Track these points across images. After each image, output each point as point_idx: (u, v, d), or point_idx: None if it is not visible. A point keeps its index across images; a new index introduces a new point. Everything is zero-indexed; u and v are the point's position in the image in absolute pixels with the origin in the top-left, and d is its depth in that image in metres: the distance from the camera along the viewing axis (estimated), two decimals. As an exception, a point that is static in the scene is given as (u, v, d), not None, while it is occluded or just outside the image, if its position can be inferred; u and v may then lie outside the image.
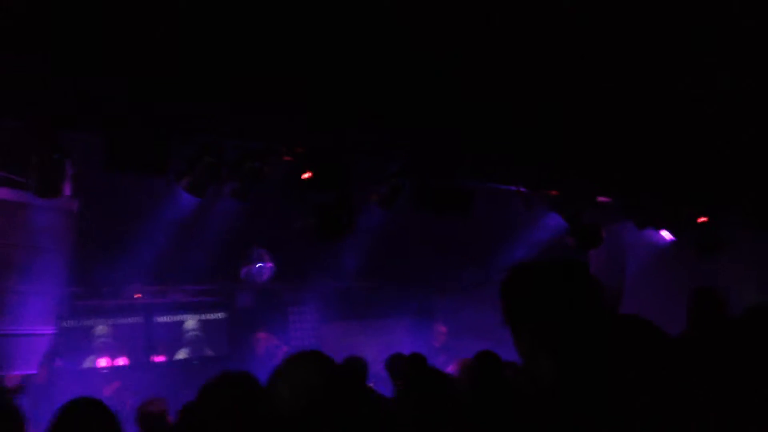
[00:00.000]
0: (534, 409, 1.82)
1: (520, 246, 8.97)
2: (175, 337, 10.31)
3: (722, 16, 4.13)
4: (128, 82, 4.30)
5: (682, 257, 8.64)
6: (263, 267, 9.03)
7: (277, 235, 8.39)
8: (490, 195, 7.08)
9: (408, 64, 4.49)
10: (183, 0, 3.59)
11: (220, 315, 10.74)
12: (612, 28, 4.25)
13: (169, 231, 7.04)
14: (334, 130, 5.44)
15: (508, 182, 7.09)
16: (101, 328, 9.61)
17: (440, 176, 6.37)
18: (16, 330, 5.11)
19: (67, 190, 4.60)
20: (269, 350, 9.42)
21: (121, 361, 9.53)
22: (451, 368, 8.50)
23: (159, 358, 9.99)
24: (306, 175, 5.65)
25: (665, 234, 8.62)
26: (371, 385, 5.60)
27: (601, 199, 7.77)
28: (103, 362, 9.38)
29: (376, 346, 9.95)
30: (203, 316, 10.61)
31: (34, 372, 5.48)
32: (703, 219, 8.30)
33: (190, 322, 10.49)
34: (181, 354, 10.26)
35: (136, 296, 9.78)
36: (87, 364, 9.28)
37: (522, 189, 7.10)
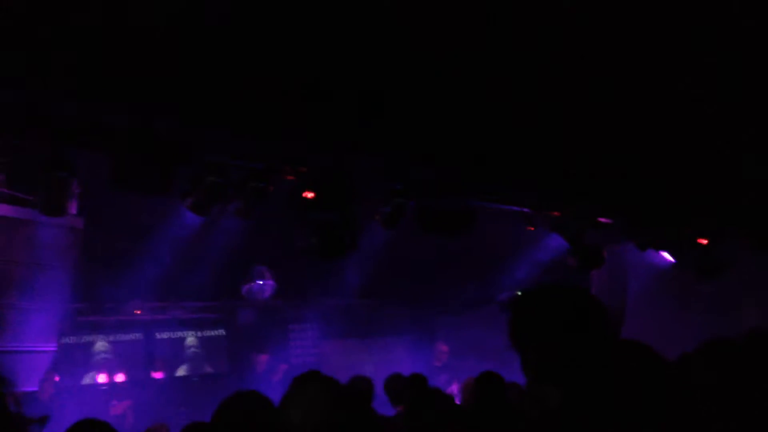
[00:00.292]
0: (538, 432, 1.83)
1: (522, 265, 8.97)
2: (175, 353, 10.28)
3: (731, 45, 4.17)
4: (134, 107, 4.35)
5: (682, 278, 8.64)
6: (265, 284, 9.03)
7: (279, 253, 8.40)
8: (492, 215, 7.10)
9: (411, 89, 4.54)
10: (189, 29, 3.64)
11: (219, 332, 10.72)
12: (616, 48, 4.28)
13: (171, 248, 7.06)
14: (337, 153, 5.48)
15: (511, 203, 7.11)
16: (101, 345, 9.58)
17: (443, 197, 6.40)
18: (18, 347, 5.12)
19: (73, 208, 4.63)
20: (270, 370, 9.41)
21: (120, 378, 9.49)
22: (453, 388, 8.51)
23: (158, 375, 9.96)
24: (309, 195, 5.68)
25: (666, 255, 8.62)
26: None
27: (602, 220, 7.79)
28: (102, 378, 9.35)
29: (376, 365, 9.93)
30: (203, 333, 10.59)
31: (35, 389, 5.47)
32: (703, 241, 8.30)
33: (191, 338, 10.46)
34: (181, 371, 10.22)
35: (136, 312, 9.77)
36: (87, 380, 9.25)
37: (524, 210, 7.13)
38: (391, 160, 5.87)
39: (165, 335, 10.24)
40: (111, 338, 9.68)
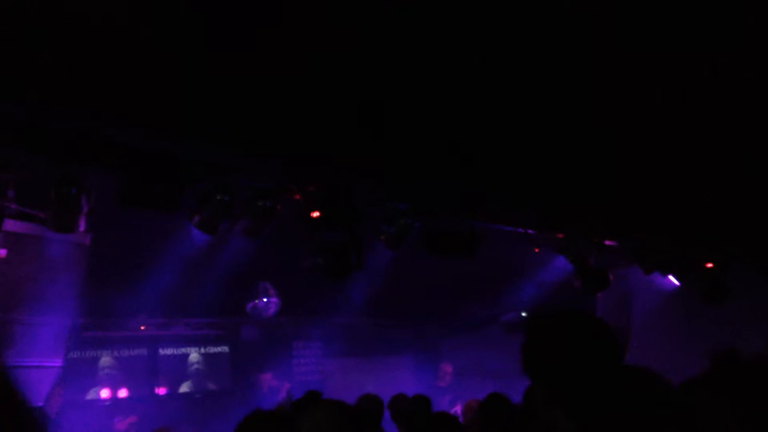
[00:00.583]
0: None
1: (528, 287, 8.98)
2: (178, 369, 10.29)
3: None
4: (146, 128, 4.40)
5: (688, 302, 8.62)
6: (269, 301, 9.02)
7: (284, 270, 8.40)
8: (497, 235, 7.11)
9: (415, 112, 4.57)
10: (194, 50, 3.69)
11: (223, 349, 10.72)
12: (621, 68, 4.30)
13: (177, 265, 7.08)
14: (343, 172, 5.51)
15: (516, 225, 7.13)
16: (105, 360, 9.60)
17: (448, 218, 6.42)
18: (25, 362, 5.13)
19: (82, 224, 4.66)
20: (273, 389, 9.40)
21: (123, 393, 9.49)
22: (457, 409, 8.48)
23: (161, 391, 9.95)
24: (315, 214, 5.70)
25: (672, 279, 8.62)
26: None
27: (608, 242, 7.79)
28: (105, 394, 9.35)
29: (380, 384, 9.91)
30: (207, 350, 10.59)
31: (41, 405, 5.48)
32: (710, 265, 8.29)
33: (194, 355, 10.47)
34: (184, 387, 10.22)
35: (141, 328, 9.79)
36: (91, 395, 9.25)
37: (529, 231, 7.14)
38: (397, 179, 5.90)
39: (169, 351, 10.25)
40: (116, 353, 9.69)
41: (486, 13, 3.53)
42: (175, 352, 10.32)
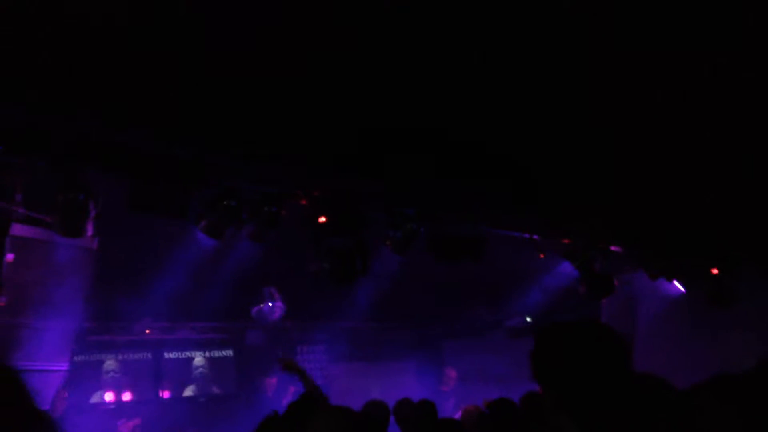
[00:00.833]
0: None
1: (533, 292, 8.97)
2: (183, 373, 10.30)
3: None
4: (154, 133, 4.42)
5: (693, 308, 8.60)
6: (274, 306, 9.04)
7: (289, 275, 8.42)
8: (502, 240, 7.11)
9: (419, 115, 4.58)
10: (197, 56, 3.71)
11: (227, 353, 10.74)
12: (626, 72, 4.31)
13: (183, 269, 7.11)
14: (349, 177, 5.53)
15: (521, 230, 7.13)
16: (110, 363, 9.62)
17: (453, 223, 6.43)
18: (31, 366, 5.15)
19: (89, 229, 4.68)
20: (278, 392, 9.40)
21: (127, 396, 9.51)
22: (460, 413, 8.46)
23: (166, 394, 9.97)
24: (321, 219, 5.72)
25: (677, 285, 8.60)
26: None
27: (613, 248, 7.78)
28: (109, 397, 9.37)
29: (384, 388, 9.91)
30: (211, 354, 10.61)
31: (47, 408, 5.49)
32: (715, 271, 8.27)
33: (199, 359, 10.48)
34: (188, 391, 10.23)
35: (146, 332, 9.81)
36: (95, 399, 9.27)
37: (535, 237, 7.14)
38: (402, 185, 5.91)
39: (173, 355, 10.27)
40: (120, 357, 9.72)
41: (486, 13, 3.54)
42: (180, 355, 10.34)
